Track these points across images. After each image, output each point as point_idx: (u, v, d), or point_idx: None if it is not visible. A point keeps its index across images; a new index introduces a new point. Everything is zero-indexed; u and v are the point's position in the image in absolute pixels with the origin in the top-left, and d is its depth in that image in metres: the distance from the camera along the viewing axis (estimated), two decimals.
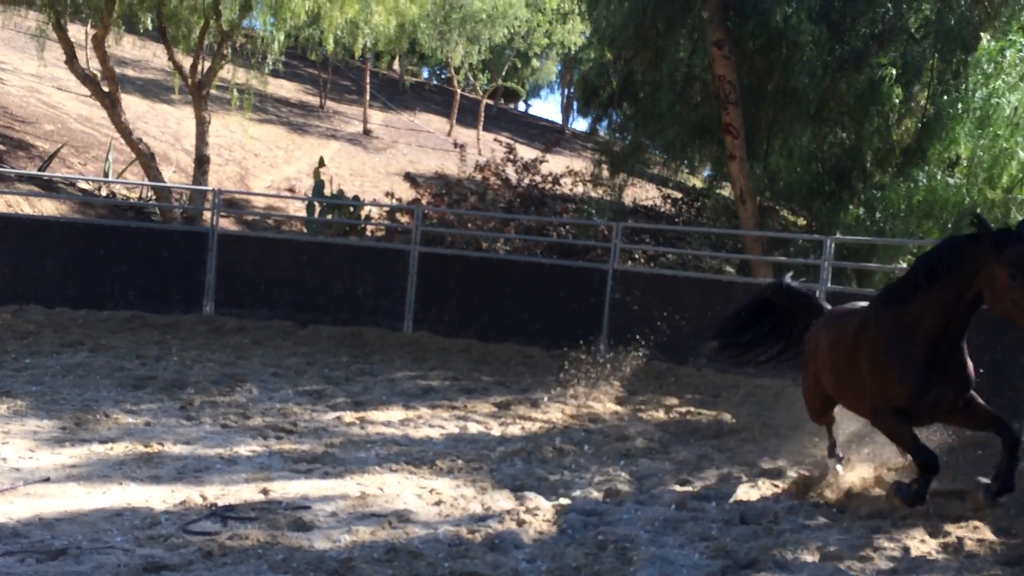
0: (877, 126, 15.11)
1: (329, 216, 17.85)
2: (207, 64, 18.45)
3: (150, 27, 18.91)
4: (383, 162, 26.60)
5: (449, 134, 31.36)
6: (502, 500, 6.63)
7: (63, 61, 18.06)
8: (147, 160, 18.09)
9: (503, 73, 40.54)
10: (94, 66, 20.74)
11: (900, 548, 5.80)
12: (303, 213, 18.84)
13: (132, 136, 18.12)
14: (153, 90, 29.23)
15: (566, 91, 48.51)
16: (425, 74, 51.89)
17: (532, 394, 10.41)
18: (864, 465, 7.45)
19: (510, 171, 19.85)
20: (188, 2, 18.30)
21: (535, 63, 45.09)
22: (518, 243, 16.28)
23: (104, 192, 19.86)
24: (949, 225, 13.82)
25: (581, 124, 41.66)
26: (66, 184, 19.36)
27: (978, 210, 14.13)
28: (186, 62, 18.95)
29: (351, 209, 17.96)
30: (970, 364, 6.34)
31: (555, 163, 23.90)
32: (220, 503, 6.14)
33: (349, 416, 8.91)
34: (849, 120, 15.90)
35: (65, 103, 25.08)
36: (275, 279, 13.80)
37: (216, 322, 13.27)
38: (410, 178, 20.76)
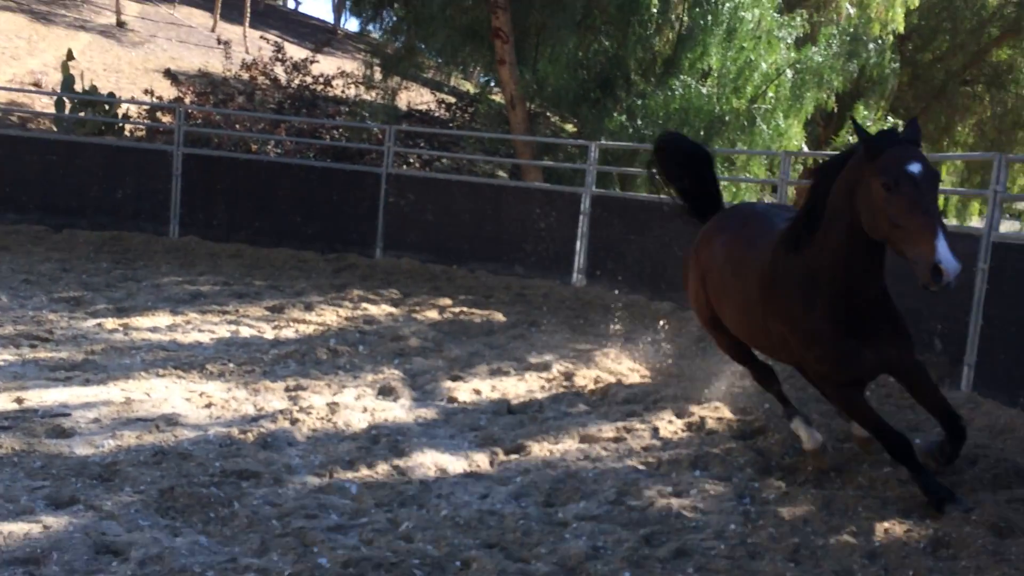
0: (639, 36, 15.72)
1: (82, 114, 16.60)
2: None
3: None
4: (140, 57, 24.84)
5: (213, 30, 29.57)
6: (275, 401, 6.64)
7: None
8: None
9: None
10: None
11: (650, 429, 6.37)
12: (51, 110, 17.40)
13: None
14: None
15: None
16: None
17: (306, 298, 10.35)
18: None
19: (279, 71, 19.13)
20: None
21: None
22: (289, 146, 15.84)
23: None
24: (701, 132, 14.73)
25: (353, 24, 40.55)
26: None
27: (726, 119, 15.15)
28: None
29: (106, 107, 16.76)
30: (902, 317, 5.15)
31: (327, 64, 23.22)
32: None
33: (111, 323, 8.54)
34: (613, 29, 16.43)
35: None
36: (23, 180, 12.98)
37: None
38: (171, 75, 19.47)
